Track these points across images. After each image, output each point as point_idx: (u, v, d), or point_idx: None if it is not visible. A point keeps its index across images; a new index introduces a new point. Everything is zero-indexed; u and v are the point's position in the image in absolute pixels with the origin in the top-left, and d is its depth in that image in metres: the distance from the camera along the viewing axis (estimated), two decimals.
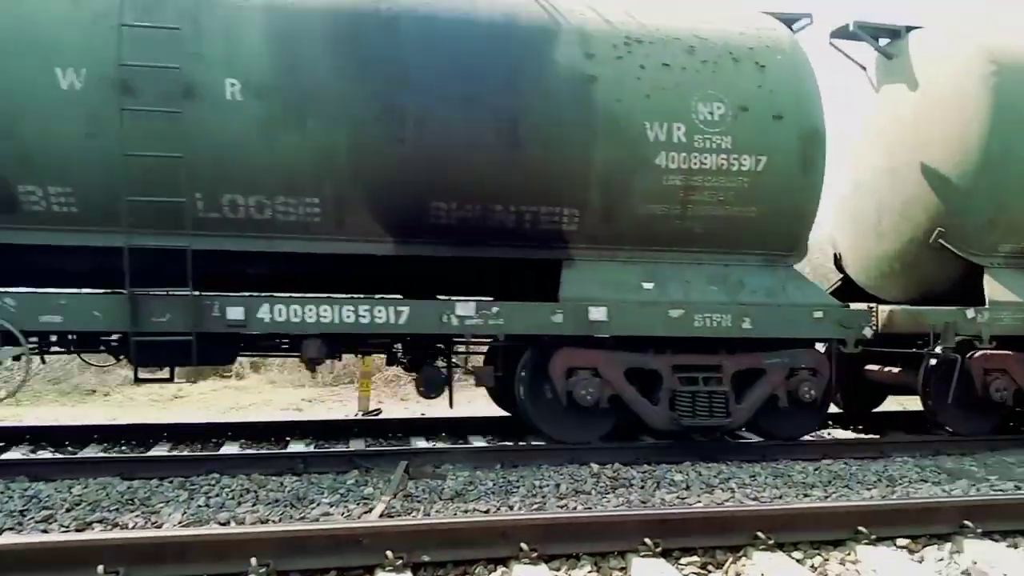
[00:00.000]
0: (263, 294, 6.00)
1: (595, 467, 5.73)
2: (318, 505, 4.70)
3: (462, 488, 5.09)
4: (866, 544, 3.90)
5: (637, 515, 3.91)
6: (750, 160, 6.22)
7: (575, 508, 4.75)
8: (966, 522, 4.09)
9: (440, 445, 6.73)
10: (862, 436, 7.46)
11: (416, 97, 5.72)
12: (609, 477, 5.53)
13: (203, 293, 5.53)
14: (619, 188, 6.07)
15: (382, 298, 6.18)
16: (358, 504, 4.71)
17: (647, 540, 3.74)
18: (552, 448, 6.24)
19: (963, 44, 7.09)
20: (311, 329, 5.67)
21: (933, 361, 6.76)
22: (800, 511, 4.05)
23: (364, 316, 5.72)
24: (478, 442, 6.89)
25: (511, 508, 4.74)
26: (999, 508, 4.23)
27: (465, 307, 5.91)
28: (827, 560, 3.81)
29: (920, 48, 7.33)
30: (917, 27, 7.48)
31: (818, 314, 6.46)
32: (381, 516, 4.39)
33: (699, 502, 4.93)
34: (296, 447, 6.72)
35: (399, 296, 6.50)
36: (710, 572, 3.73)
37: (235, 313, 5.53)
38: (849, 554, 3.87)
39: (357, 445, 6.74)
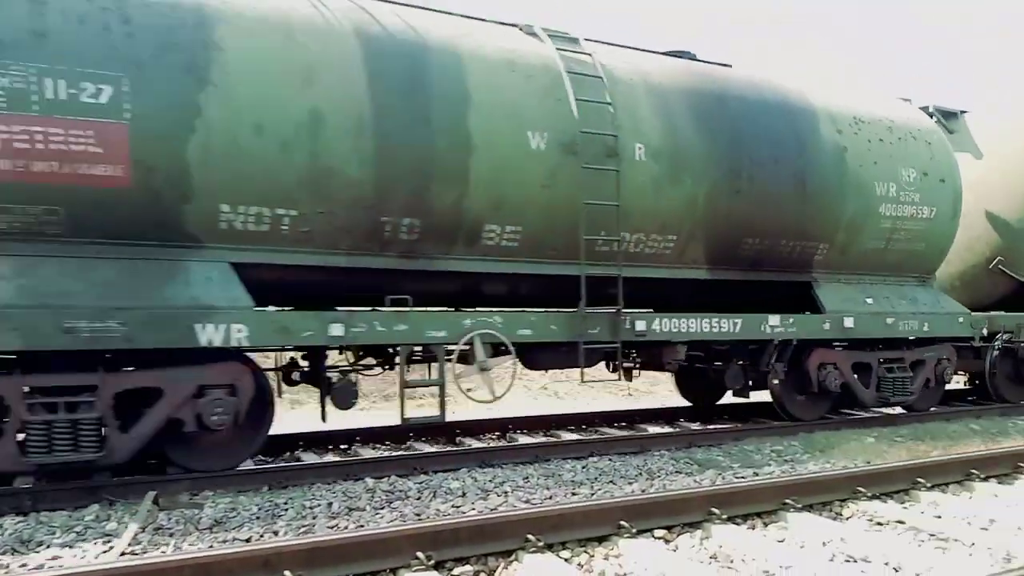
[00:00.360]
0: (645, 311, 7.30)
1: (370, 482, 5.56)
2: (47, 547, 4.12)
3: (222, 516, 4.68)
4: (627, 538, 4.08)
5: (408, 530, 3.81)
6: (928, 211, 8.56)
7: (346, 527, 4.55)
8: (713, 509, 4.42)
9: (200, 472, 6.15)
10: (626, 433, 7.88)
11: (747, 159, 7.34)
12: (385, 491, 5.38)
13: (621, 310, 6.73)
14: (856, 229, 8.15)
15: (722, 314, 7.46)
16: (97, 542, 4.19)
17: (419, 554, 3.66)
18: (323, 465, 5.99)
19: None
20: (681, 337, 7.23)
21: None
22: (568, 510, 4.15)
23: (715, 327, 7.35)
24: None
25: (276, 534, 4.44)
26: (740, 494, 4.62)
27: (774, 319, 7.65)
28: (592, 557, 3.94)
29: (974, 127, 10.47)
30: (966, 111, 10.64)
31: (961, 319, 8.88)
32: (123, 555, 3.92)
33: (473, 509, 4.92)
34: None
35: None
36: None
37: (640, 326, 6.93)
38: (612, 549, 4.03)
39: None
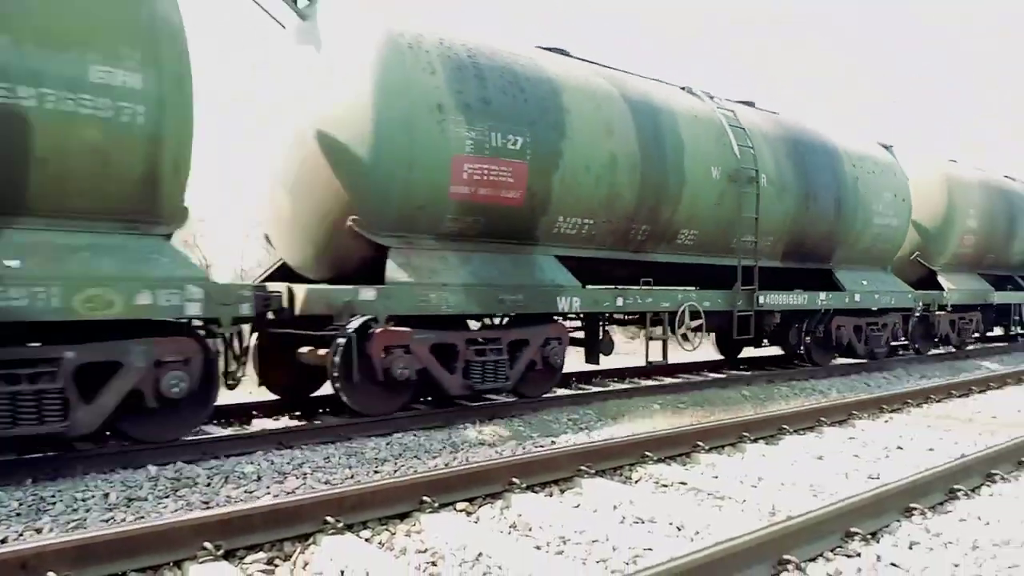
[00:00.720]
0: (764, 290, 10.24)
1: (153, 469, 5.14)
2: None
3: None
4: (430, 513, 4.07)
5: (193, 519, 3.54)
6: (895, 221, 12.16)
7: (124, 520, 4.17)
8: (514, 479, 4.51)
9: None
10: (433, 410, 7.87)
11: (812, 187, 10.56)
12: (170, 479, 5.00)
13: (756, 289, 9.90)
14: (860, 234, 11.53)
15: (795, 291, 10.81)
16: None
17: (207, 544, 3.42)
18: (101, 453, 5.45)
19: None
20: (779, 307, 10.41)
21: None
22: (369, 490, 4.06)
23: (795, 300, 10.60)
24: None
25: (40, 531, 3.98)
26: (538, 463, 4.75)
27: (823, 295, 11.03)
28: (394, 534, 3.88)
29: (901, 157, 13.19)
30: (893, 145, 13.32)
31: (910, 295, 12.52)
32: None
33: (268, 493, 4.70)
34: None
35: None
36: (277, 567, 3.55)
37: (762, 299, 9.97)
38: (415, 525, 3.99)
39: None
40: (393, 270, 6.64)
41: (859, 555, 3.42)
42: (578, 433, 6.72)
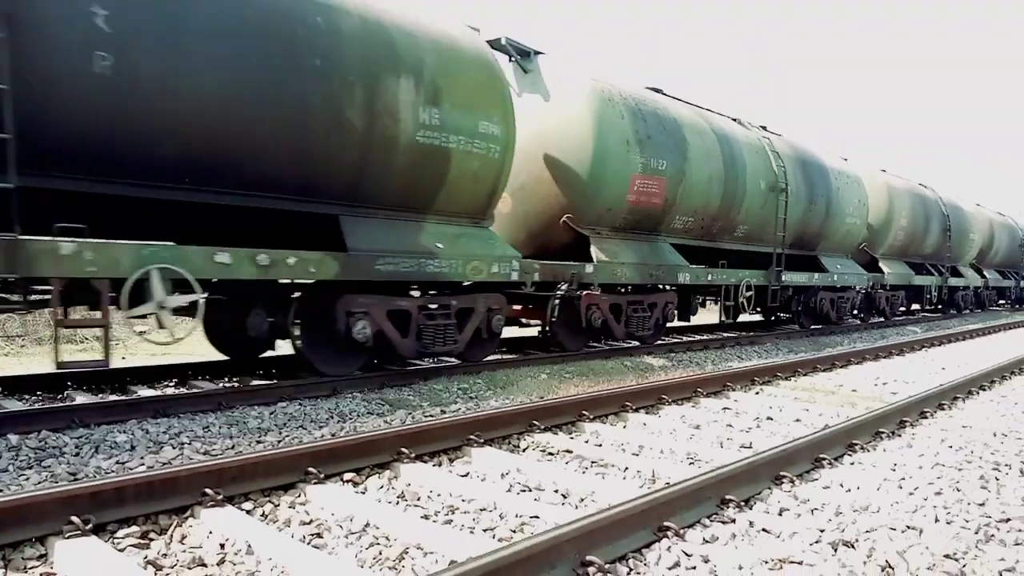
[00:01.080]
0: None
1: (14, 439, 4.81)
2: None
3: None
4: (315, 484, 3.99)
5: (58, 492, 3.32)
6: (858, 220, 15.92)
7: None
8: (402, 449, 4.49)
9: None
10: (317, 378, 7.71)
11: (813, 195, 14.01)
12: (33, 448, 4.70)
13: (782, 270, 13.68)
14: (836, 229, 15.16)
15: (803, 271, 14.88)
16: None
17: (74, 518, 3.23)
18: None
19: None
20: (794, 284, 14.37)
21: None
22: (251, 460, 3.93)
23: (805, 279, 14.50)
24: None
25: None
26: (428, 433, 4.74)
27: (817, 274, 14.86)
28: (278, 506, 3.79)
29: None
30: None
31: (862, 274, 16.52)
32: None
33: (142, 464, 4.49)
34: None
35: None
36: (152, 540, 3.39)
37: (784, 277, 13.75)
38: (299, 496, 3.91)
39: None
40: (596, 252, 9.66)
41: (734, 521, 3.60)
42: (468, 402, 6.75)
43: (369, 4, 6.92)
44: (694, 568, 3.11)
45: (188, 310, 5.75)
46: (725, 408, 6.63)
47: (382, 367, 7.82)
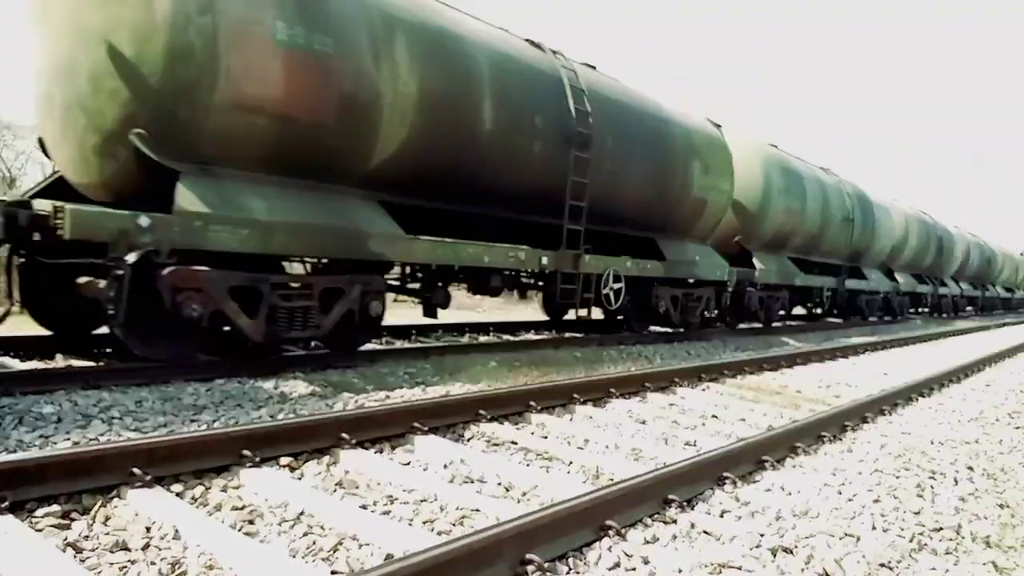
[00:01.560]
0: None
1: None
2: None
3: None
4: (250, 467, 3.85)
5: None
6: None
7: None
8: (343, 435, 4.37)
9: None
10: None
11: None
12: None
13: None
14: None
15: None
16: None
17: None
18: None
19: None
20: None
21: None
22: (182, 440, 3.78)
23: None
24: None
25: None
26: (371, 419, 4.62)
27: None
28: (209, 489, 3.64)
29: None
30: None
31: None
32: None
33: (68, 440, 4.29)
34: None
35: None
36: (74, 521, 3.23)
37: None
38: (232, 480, 3.77)
39: None
40: (756, 262, 14.65)
41: (675, 522, 3.57)
42: (414, 388, 6.63)
43: (680, 116, 11.88)
44: (634, 569, 3.07)
45: None
46: (671, 404, 6.64)
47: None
